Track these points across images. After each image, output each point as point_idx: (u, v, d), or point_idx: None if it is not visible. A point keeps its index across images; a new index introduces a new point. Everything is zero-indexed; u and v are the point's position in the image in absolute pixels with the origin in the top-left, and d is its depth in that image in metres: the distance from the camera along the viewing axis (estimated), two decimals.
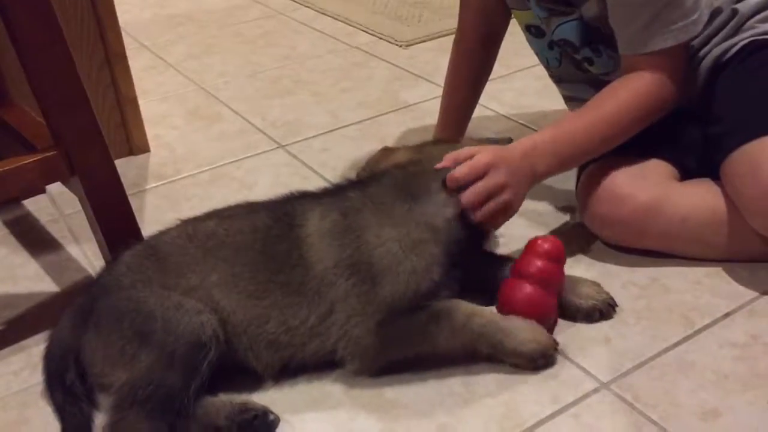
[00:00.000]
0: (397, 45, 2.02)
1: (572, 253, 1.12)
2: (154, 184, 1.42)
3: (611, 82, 1.10)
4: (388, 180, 1.01)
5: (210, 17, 2.35)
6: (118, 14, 1.42)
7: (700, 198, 1.08)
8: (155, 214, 1.31)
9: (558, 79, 1.31)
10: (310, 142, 1.54)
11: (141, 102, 1.54)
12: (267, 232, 0.94)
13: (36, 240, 1.27)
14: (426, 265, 0.92)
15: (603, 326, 0.99)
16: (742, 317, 0.99)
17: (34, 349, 1.01)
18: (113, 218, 1.01)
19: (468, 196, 0.97)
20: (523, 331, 0.92)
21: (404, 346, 0.92)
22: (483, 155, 0.99)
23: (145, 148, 1.52)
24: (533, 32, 1.24)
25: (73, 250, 1.23)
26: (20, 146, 1.13)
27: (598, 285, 1.02)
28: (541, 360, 0.93)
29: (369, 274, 0.90)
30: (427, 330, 0.90)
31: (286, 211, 0.97)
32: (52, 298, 1.13)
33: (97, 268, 1.18)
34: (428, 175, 1.00)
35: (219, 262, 0.92)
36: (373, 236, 0.92)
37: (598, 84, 1.18)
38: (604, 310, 1.00)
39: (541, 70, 1.77)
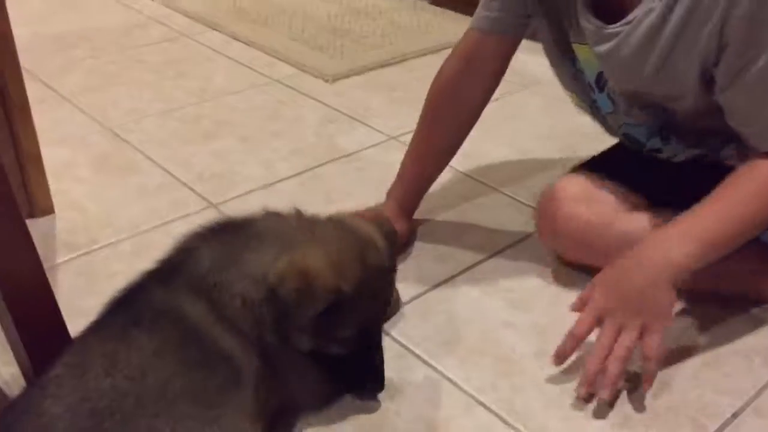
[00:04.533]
0: (322, 80, 1.87)
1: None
2: (64, 258, 1.20)
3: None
4: None
5: (104, 38, 2.10)
6: None
7: (646, 220, 1.09)
8: (72, 300, 1.08)
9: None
10: (246, 199, 1.37)
11: None
12: (167, 341, 0.80)
13: None
14: None
15: None
16: (749, 417, 0.94)
17: None
18: (40, 333, 0.81)
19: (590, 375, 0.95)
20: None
21: None
22: (591, 307, 0.96)
23: (48, 210, 1.30)
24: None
25: None
26: None
27: None
28: None
29: None
30: None
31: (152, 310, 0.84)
32: None
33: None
34: None
35: None
36: None
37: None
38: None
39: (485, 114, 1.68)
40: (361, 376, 0.93)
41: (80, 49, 2.02)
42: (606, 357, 0.92)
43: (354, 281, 0.85)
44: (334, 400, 0.95)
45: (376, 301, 0.91)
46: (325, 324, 0.85)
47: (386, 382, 0.96)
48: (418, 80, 1.90)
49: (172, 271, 0.88)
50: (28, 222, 1.26)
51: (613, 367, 0.92)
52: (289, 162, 1.50)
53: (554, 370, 1.00)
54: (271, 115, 1.70)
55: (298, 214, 0.93)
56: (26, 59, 1.94)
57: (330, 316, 0.84)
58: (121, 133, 1.59)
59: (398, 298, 1.12)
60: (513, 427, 0.93)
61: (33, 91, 1.76)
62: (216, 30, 2.17)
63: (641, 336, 0.92)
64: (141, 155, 1.51)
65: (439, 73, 1.21)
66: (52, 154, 1.47)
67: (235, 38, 2.11)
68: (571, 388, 0.97)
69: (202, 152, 1.53)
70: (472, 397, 0.97)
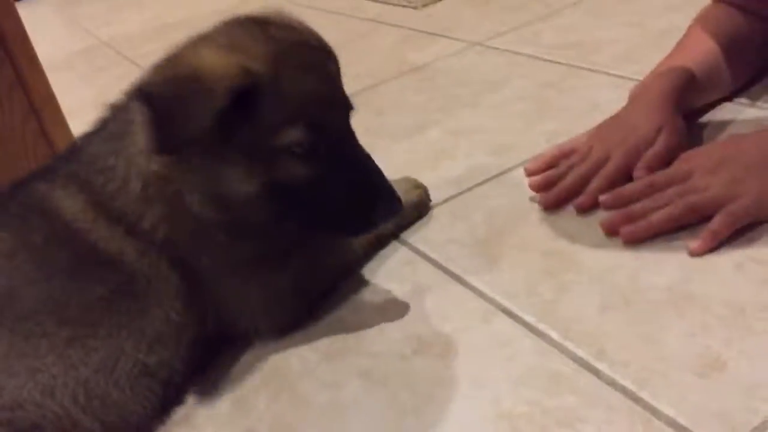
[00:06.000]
0: (411, 7, 1.63)
1: None
2: None
3: None
4: None
5: (206, 21, 2.03)
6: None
7: None
8: None
9: None
10: None
11: None
12: (26, 242, 0.63)
13: None
14: None
15: None
16: None
17: None
18: None
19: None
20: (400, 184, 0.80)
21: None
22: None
23: None
24: None
25: None
26: None
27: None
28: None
29: None
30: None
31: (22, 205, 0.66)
32: None
33: None
34: None
35: None
36: None
37: None
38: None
39: (594, 4, 1.35)
40: (361, 205, 0.63)
41: (180, 32, 1.96)
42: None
43: (264, 57, 0.60)
44: (297, 323, 0.70)
45: (313, 84, 0.64)
46: (257, 126, 0.59)
47: (374, 295, 0.69)
48: None
49: (66, 158, 0.70)
50: None
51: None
52: (348, 86, 1.27)
53: (626, 260, 0.66)
54: (342, 47, 1.49)
55: None
56: (128, 48, 1.94)
57: (255, 113, 0.59)
58: None
59: (424, 200, 0.83)
60: (543, 335, 0.61)
61: (120, 70, 1.75)
62: None
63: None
64: None
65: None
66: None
67: None
68: (645, 287, 0.63)
69: None
70: (494, 303, 0.66)
